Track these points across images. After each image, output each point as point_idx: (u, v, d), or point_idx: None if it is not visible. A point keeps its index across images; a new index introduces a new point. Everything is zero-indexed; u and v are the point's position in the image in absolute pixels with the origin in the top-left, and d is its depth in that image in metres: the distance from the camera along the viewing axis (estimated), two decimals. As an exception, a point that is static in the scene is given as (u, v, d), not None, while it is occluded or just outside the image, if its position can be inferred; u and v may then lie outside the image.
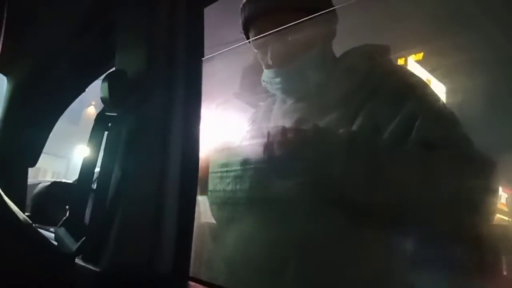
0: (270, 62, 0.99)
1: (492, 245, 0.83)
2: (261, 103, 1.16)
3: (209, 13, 0.83)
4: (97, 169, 0.79)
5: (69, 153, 12.48)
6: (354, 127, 0.86)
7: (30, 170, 1.48)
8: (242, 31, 1.06)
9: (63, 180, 1.63)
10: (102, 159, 0.76)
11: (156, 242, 0.69)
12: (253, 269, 0.88)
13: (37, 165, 1.47)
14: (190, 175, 0.74)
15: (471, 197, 0.76)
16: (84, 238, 0.73)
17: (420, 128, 0.80)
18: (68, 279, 0.71)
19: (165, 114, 0.73)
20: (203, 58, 0.77)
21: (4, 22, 0.66)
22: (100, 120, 0.78)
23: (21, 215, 0.69)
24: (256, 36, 1.00)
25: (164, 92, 0.74)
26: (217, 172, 0.97)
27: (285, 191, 0.86)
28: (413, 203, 0.76)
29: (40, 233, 0.76)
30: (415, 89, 0.88)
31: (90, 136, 0.78)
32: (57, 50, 1.23)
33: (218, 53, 0.88)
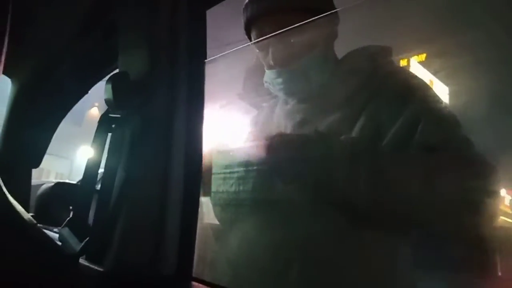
0: (271, 62, 0.99)
1: (495, 247, 0.83)
2: (264, 104, 1.16)
3: (212, 15, 0.83)
4: (101, 170, 0.79)
5: (72, 154, 12.51)
6: (356, 128, 0.86)
7: (33, 170, 1.48)
8: (244, 32, 1.06)
9: (67, 181, 1.63)
10: (106, 160, 0.77)
11: (160, 242, 0.69)
12: (256, 270, 0.88)
13: (41, 166, 1.47)
14: (193, 176, 0.74)
15: (472, 199, 0.76)
16: (88, 238, 0.73)
17: (423, 131, 0.80)
18: (71, 279, 0.71)
19: (168, 116, 0.73)
20: (205, 60, 0.78)
21: (8, 25, 0.66)
22: (104, 121, 0.78)
23: (26, 215, 0.69)
24: (257, 36, 1.00)
25: (167, 94, 0.74)
26: (220, 173, 0.97)
27: (288, 193, 0.86)
28: (415, 205, 0.76)
29: (44, 233, 0.76)
30: (417, 91, 0.89)
31: (94, 138, 0.78)
32: (60, 52, 1.24)
33: (221, 55, 0.88)
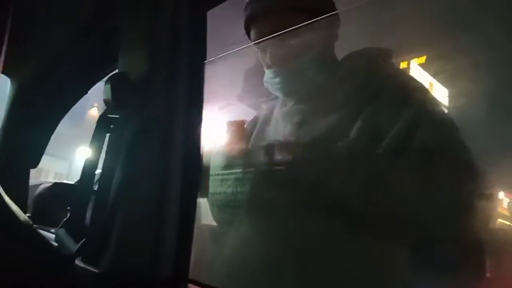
0: (269, 62, 0.99)
1: (493, 249, 0.83)
2: (264, 106, 1.16)
3: (213, 16, 0.83)
4: (99, 171, 0.79)
5: (71, 154, 12.50)
6: (354, 130, 0.86)
7: (32, 170, 1.48)
8: (245, 32, 1.07)
9: (65, 181, 1.63)
10: (104, 161, 0.77)
11: (156, 244, 0.69)
12: (253, 271, 0.88)
13: (39, 166, 1.47)
14: (191, 177, 0.74)
15: (467, 203, 0.76)
16: (84, 239, 0.73)
17: (421, 135, 0.80)
18: (68, 280, 0.71)
19: (167, 117, 0.73)
20: (205, 61, 0.77)
21: (8, 25, 0.66)
22: (102, 122, 0.78)
23: (22, 215, 0.69)
24: (257, 35, 1.01)
25: (166, 95, 0.74)
26: (218, 174, 0.97)
27: (285, 195, 0.86)
28: (411, 208, 0.76)
29: (40, 234, 0.76)
30: (416, 94, 0.88)
31: (92, 138, 0.78)
32: (60, 52, 1.24)
33: (220, 56, 0.88)
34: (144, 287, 0.69)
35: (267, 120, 1.09)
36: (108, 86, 0.74)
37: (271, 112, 1.09)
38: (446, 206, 0.75)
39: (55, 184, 1.53)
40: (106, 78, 0.79)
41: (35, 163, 1.45)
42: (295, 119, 0.99)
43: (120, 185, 0.74)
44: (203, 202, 1.00)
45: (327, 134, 0.89)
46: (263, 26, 0.99)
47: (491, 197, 0.78)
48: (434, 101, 0.91)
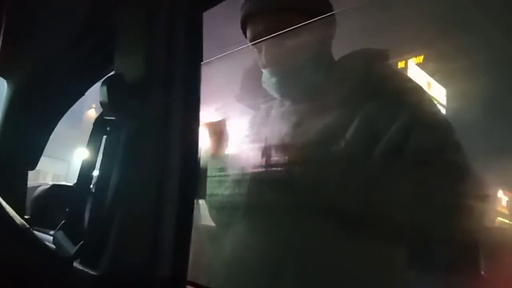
0: (264, 62, 0.99)
1: (492, 248, 0.84)
2: (262, 106, 1.16)
3: (210, 17, 0.83)
4: (97, 172, 0.79)
5: (70, 156, 12.48)
6: (350, 131, 0.86)
7: (30, 172, 1.48)
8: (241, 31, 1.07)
9: (63, 183, 1.63)
10: (101, 163, 0.76)
11: (155, 246, 0.69)
12: (252, 273, 0.88)
13: (38, 167, 1.47)
14: (188, 179, 0.74)
15: (461, 204, 0.76)
16: (82, 242, 0.73)
17: (416, 137, 0.81)
18: (66, 283, 0.71)
19: (163, 118, 0.73)
20: (202, 63, 0.77)
21: (3, 26, 0.66)
22: (99, 124, 0.78)
23: (18, 218, 0.69)
24: (252, 34, 1.01)
25: (163, 97, 0.74)
26: (216, 176, 0.97)
27: (282, 196, 0.86)
28: (407, 210, 0.76)
29: (38, 237, 0.76)
30: (411, 96, 0.89)
31: (88, 140, 0.78)
32: (57, 54, 1.23)
33: (217, 57, 0.88)
34: (142, 289, 0.69)
35: (264, 120, 1.09)
36: (104, 88, 0.74)
37: (268, 113, 1.09)
38: (440, 207, 0.76)
39: (54, 186, 1.53)
40: (103, 79, 0.79)
41: (33, 165, 1.44)
42: (292, 120, 0.99)
43: (117, 187, 0.74)
44: (201, 203, 1.00)
45: (323, 135, 0.89)
46: (258, 25, 0.99)
47: (486, 198, 0.79)
48: (430, 103, 0.91)
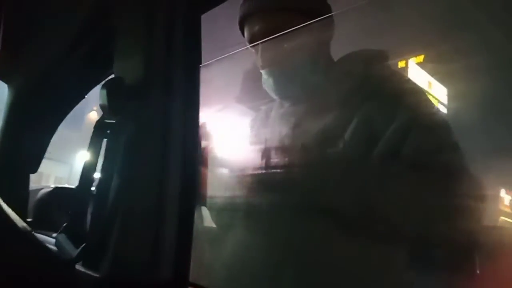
0: (260, 62, 1.00)
1: (493, 248, 0.84)
2: (262, 107, 1.16)
3: (207, 20, 0.83)
4: (98, 175, 0.79)
5: (72, 158, 12.50)
6: (348, 132, 0.87)
7: (33, 175, 1.48)
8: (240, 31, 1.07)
9: (65, 186, 1.63)
10: (102, 166, 0.77)
11: (156, 247, 0.69)
12: (253, 274, 0.88)
13: (40, 170, 1.47)
14: (189, 181, 0.74)
15: (459, 205, 0.76)
16: (84, 244, 0.73)
17: (413, 139, 0.81)
18: (68, 285, 0.71)
19: (163, 121, 0.73)
20: (200, 65, 0.78)
21: (2, 30, 0.66)
22: (99, 127, 0.78)
23: (20, 221, 0.69)
24: (249, 34, 1.02)
25: (162, 99, 0.74)
26: (217, 178, 0.97)
27: (282, 198, 0.87)
28: (405, 211, 0.77)
29: (39, 240, 0.76)
30: (410, 97, 0.89)
31: (89, 143, 0.78)
32: (57, 57, 1.24)
33: (216, 60, 0.88)
34: (144, 291, 0.69)
35: (264, 122, 1.09)
36: (104, 91, 0.74)
37: (268, 115, 1.09)
38: (436, 208, 0.76)
39: (56, 188, 1.53)
40: (103, 82, 0.79)
41: (34, 168, 1.45)
42: (291, 121, 0.99)
43: (118, 189, 0.74)
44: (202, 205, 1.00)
45: (322, 136, 0.89)
46: (255, 25, 1.00)
47: (484, 198, 0.79)
48: (428, 104, 0.91)
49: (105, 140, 0.78)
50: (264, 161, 0.87)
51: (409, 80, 0.96)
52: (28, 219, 1.34)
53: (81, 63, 1.24)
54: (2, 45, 0.65)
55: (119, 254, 0.71)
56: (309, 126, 0.93)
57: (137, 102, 0.75)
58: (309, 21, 0.95)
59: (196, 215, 0.77)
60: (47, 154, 1.47)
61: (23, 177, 1.43)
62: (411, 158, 0.80)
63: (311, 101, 0.99)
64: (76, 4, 1.03)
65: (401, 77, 0.99)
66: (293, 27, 0.93)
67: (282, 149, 0.91)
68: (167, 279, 0.68)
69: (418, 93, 0.92)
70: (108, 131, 0.78)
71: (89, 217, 0.78)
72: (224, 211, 0.99)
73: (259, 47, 1.00)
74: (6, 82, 1.36)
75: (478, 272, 0.81)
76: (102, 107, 0.75)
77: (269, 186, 0.90)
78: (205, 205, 0.99)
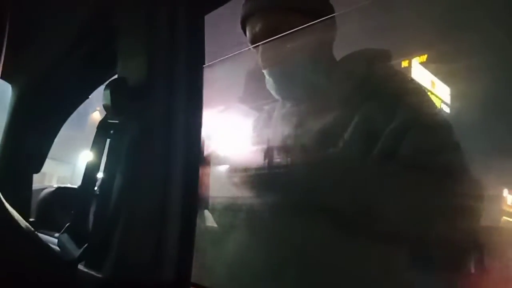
0: (261, 62, 1.00)
1: (496, 247, 0.83)
2: (266, 107, 1.16)
3: (210, 20, 0.83)
4: (101, 175, 0.79)
5: (75, 158, 12.52)
6: (348, 132, 0.87)
7: (36, 175, 1.48)
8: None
9: (68, 185, 1.64)
10: (105, 166, 0.77)
11: (159, 248, 0.69)
12: (254, 275, 0.88)
13: (43, 170, 1.47)
14: (192, 182, 0.74)
15: (458, 206, 0.76)
16: (86, 244, 0.73)
17: (410, 140, 0.81)
18: (70, 285, 0.71)
19: (166, 121, 0.73)
20: (204, 65, 0.78)
21: (7, 30, 0.66)
22: (102, 127, 0.78)
23: (23, 222, 0.69)
24: (251, 33, 1.02)
25: (166, 100, 0.74)
26: (219, 178, 0.97)
27: (285, 198, 0.87)
28: (403, 211, 0.77)
29: (42, 240, 0.76)
30: (410, 98, 0.89)
31: (92, 143, 0.78)
32: (61, 57, 1.24)
33: (219, 60, 0.88)
34: (146, 292, 0.69)
35: (266, 122, 1.09)
36: (108, 92, 0.75)
37: (270, 115, 1.10)
38: (435, 209, 0.76)
39: (59, 188, 1.54)
40: (106, 83, 0.79)
41: (38, 168, 1.45)
42: (294, 121, 0.99)
43: (121, 190, 0.74)
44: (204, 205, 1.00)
45: (324, 136, 0.89)
46: (257, 24, 1.00)
47: (483, 198, 0.79)
48: (429, 104, 0.91)
49: (108, 140, 0.79)
50: (266, 161, 0.87)
51: (410, 80, 0.96)
52: (31, 219, 1.34)
53: (85, 63, 1.24)
54: (7, 46, 0.65)
55: (122, 254, 0.71)
56: (311, 126, 0.93)
57: (141, 103, 0.75)
58: (311, 21, 0.95)
59: (198, 215, 0.77)
60: (50, 154, 1.47)
61: (26, 177, 1.43)
62: (408, 158, 0.80)
63: (313, 101, 0.99)
64: (80, 4, 1.03)
65: (402, 76, 0.99)
66: (294, 27, 0.93)
67: (284, 149, 0.91)
68: (170, 279, 0.69)
69: (419, 93, 0.92)
70: (112, 131, 0.78)
71: (91, 217, 0.79)
72: (226, 211, 0.99)
73: (260, 47, 1.00)
74: (10, 82, 1.36)
75: (478, 272, 0.81)
76: (105, 107, 0.76)
77: (271, 186, 0.90)
78: (207, 205, 1.00)
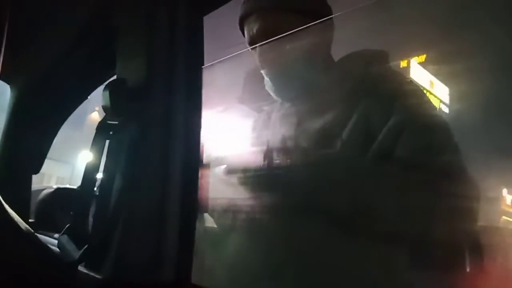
0: (258, 63, 1.00)
1: (495, 246, 0.84)
2: (265, 108, 1.16)
3: (209, 21, 0.83)
4: (100, 176, 0.79)
5: (74, 158, 12.51)
6: (346, 132, 0.87)
7: (35, 175, 1.48)
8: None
9: (67, 186, 1.63)
10: (104, 167, 0.77)
11: (158, 248, 0.69)
12: (254, 276, 0.88)
13: (42, 170, 1.47)
14: (191, 182, 0.74)
15: (453, 206, 0.76)
16: (86, 245, 0.73)
17: (405, 140, 0.81)
18: (70, 287, 0.71)
19: (166, 122, 0.73)
20: (203, 66, 0.78)
21: (6, 30, 0.66)
22: (102, 128, 0.78)
23: (23, 223, 0.69)
24: (249, 34, 1.02)
25: (165, 100, 0.74)
26: (218, 178, 0.97)
27: (284, 198, 0.87)
28: (399, 213, 0.77)
29: (42, 241, 0.76)
30: (407, 98, 0.89)
31: (92, 144, 0.78)
32: (60, 58, 1.24)
33: (218, 61, 0.89)
34: (146, 292, 0.69)
35: (266, 123, 1.09)
36: (107, 93, 0.75)
37: (269, 116, 1.10)
38: (433, 209, 0.76)
39: (58, 189, 1.53)
40: (105, 84, 0.79)
41: (37, 169, 1.45)
42: (292, 122, 0.99)
43: (121, 190, 0.74)
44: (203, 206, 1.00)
45: (322, 136, 0.90)
46: (254, 24, 1.00)
47: (480, 199, 0.79)
48: (425, 105, 0.91)
49: (107, 141, 0.78)
50: (265, 162, 0.87)
51: (408, 80, 0.96)
52: (30, 220, 1.34)
53: (84, 63, 1.24)
54: (6, 46, 0.65)
55: (122, 255, 0.71)
56: (309, 126, 0.94)
57: (140, 103, 0.75)
58: (309, 21, 0.96)
59: (198, 216, 0.77)
60: (49, 154, 1.47)
61: (25, 177, 1.43)
62: (403, 158, 0.81)
63: (311, 102, 0.99)
64: (80, 5, 1.03)
65: (400, 77, 0.99)
66: (292, 28, 0.94)
67: (283, 150, 0.91)
68: (170, 280, 0.69)
69: (416, 93, 0.92)
70: (111, 132, 0.78)
71: (91, 218, 0.78)
72: (226, 212, 0.99)
73: (258, 48, 1.00)
74: (8, 82, 1.36)
75: (477, 272, 0.81)
76: (104, 108, 0.76)
77: (271, 186, 0.90)
78: (207, 206, 1.00)
